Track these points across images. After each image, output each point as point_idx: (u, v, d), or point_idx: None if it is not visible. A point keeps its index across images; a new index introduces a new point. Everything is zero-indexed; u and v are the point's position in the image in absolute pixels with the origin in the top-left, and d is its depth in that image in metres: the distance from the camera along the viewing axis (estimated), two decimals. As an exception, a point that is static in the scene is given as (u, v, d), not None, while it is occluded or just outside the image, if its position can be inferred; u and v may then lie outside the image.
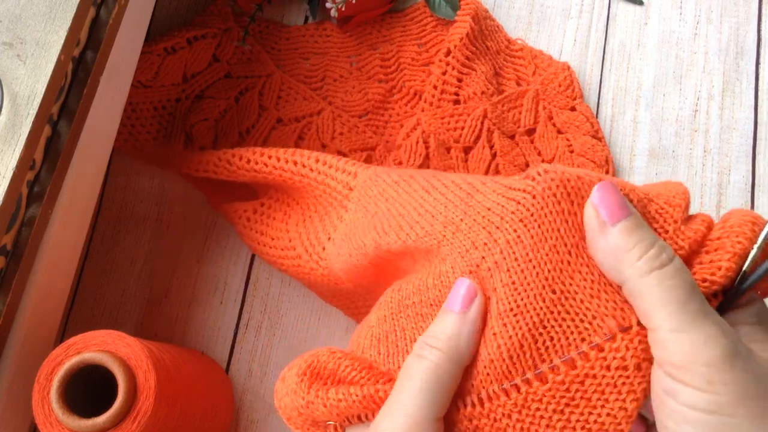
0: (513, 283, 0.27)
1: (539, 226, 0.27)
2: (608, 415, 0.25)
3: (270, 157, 0.45)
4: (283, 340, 0.49)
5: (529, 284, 0.27)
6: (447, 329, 0.26)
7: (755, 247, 0.25)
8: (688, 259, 0.26)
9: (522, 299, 0.27)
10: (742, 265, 0.25)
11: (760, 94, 0.53)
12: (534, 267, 0.27)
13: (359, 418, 0.28)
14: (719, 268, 0.25)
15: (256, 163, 0.45)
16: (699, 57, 0.54)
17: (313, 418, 0.30)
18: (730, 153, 0.52)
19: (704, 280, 0.25)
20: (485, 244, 0.28)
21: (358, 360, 0.30)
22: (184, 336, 0.49)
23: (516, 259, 0.27)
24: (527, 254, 0.27)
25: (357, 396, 0.28)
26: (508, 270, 0.27)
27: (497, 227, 0.28)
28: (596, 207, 0.24)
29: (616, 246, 0.24)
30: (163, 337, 0.49)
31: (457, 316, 0.26)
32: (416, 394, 0.25)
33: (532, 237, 0.27)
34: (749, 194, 0.51)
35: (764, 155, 0.52)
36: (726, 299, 0.25)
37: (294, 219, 0.46)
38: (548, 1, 0.56)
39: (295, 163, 0.44)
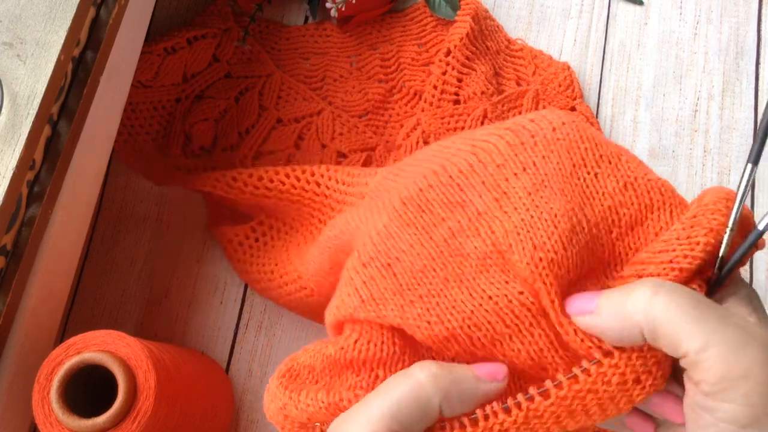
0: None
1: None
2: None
3: (288, 176, 0.44)
4: (283, 340, 0.49)
5: None
6: (457, 373, 0.26)
7: (730, 222, 0.26)
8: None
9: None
10: (720, 240, 0.26)
11: (760, 94, 0.53)
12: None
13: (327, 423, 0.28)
14: (697, 244, 0.26)
15: (271, 181, 0.45)
16: (699, 57, 0.54)
17: (299, 420, 0.29)
18: (730, 153, 0.52)
19: (685, 257, 0.26)
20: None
21: (328, 354, 0.29)
22: (184, 336, 0.49)
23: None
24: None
25: (323, 403, 0.28)
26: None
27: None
28: (578, 311, 0.26)
29: (611, 309, 0.25)
30: (163, 337, 0.49)
31: (473, 376, 0.26)
32: (384, 403, 0.25)
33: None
34: (749, 194, 0.51)
35: (764, 156, 0.52)
36: (710, 287, 0.26)
37: (294, 246, 0.46)
38: (548, 1, 0.56)
39: (318, 185, 0.43)
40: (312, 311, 0.46)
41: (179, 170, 0.51)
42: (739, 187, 0.26)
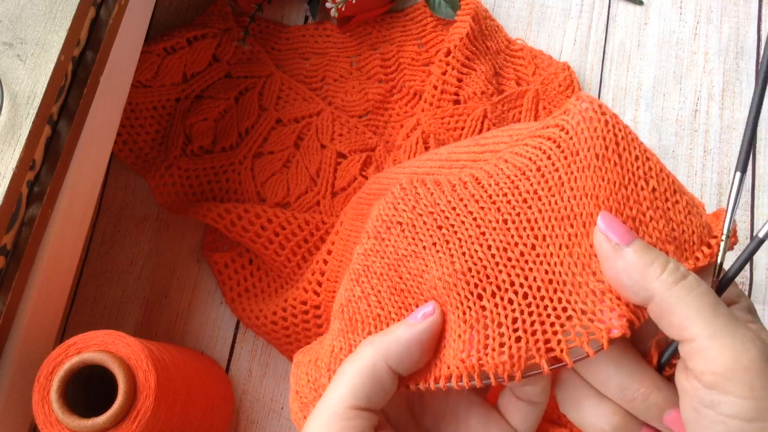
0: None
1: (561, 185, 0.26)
2: None
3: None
4: (283, 340, 0.49)
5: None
6: (392, 330, 0.27)
7: (724, 230, 0.26)
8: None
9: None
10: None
11: (760, 94, 0.53)
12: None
13: None
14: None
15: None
16: (699, 57, 0.54)
17: None
18: (730, 153, 0.52)
19: (697, 259, 0.25)
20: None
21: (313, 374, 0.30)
22: (184, 336, 0.49)
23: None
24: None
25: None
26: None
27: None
28: (605, 232, 0.25)
29: (636, 263, 0.24)
30: (163, 337, 0.49)
31: (405, 324, 0.27)
32: (338, 385, 0.26)
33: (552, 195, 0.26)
34: (749, 194, 0.51)
35: (764, 155, 0.52)
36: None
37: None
38: (548, 1, 0.56)
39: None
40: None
41: (179, 169, 0.51)
42: (729, 196, 0.26)
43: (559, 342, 0.25)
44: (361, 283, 0.30)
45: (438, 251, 0.28)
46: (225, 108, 0.53)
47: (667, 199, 0.26)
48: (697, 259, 0.26)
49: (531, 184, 0.27)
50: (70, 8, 0.37)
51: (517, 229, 0.27)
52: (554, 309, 0.26)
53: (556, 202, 0.27)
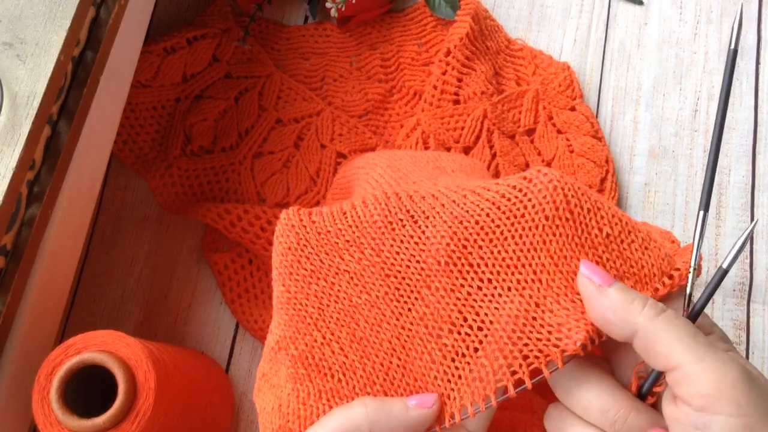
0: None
1: (522, 229, 0.28)
2: None
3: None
4: (283, 340, 0.49)
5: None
6: (388, 403, 0.28)
7: (692, 262, 0.27)
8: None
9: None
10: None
11: (760, 94, 0.53)
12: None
13: None
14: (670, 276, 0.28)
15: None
16: (699, 57, 0.54)
17: None
18: (730, 153, 0.52)
19: (656, 289, 0.27)
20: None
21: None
22: (184, 336, 0.49)
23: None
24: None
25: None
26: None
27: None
28: (588, 276, 0.27)
29: (620, 300, 0.26)
30: (163, 338, 0.49)
31: (402, 404, 0.28)
32: (319, 428, 0.28)
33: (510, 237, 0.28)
34: (749, 194, 0.51)
35: (764, 155, 0.52)
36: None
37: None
38: (548, 1, 0.56)
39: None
40: None
41: (178, 170, 0.51)
42: (695, 233, 0.28)
43: (520, 365, 0.26)
44: (319, 327, 0.30)
45: (392, 300, 0.29)
46: (225, 108, 0.53)
47: (622, 241, 0.28)
48: (656, 289, 0.27)
49: (470, 234, 0.29)
50: (70, 8, 0.37)
51: (460, 272, 0.28)
52: (509, 338, 0.27)
53: (499, 252, 0.28)
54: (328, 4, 0.53)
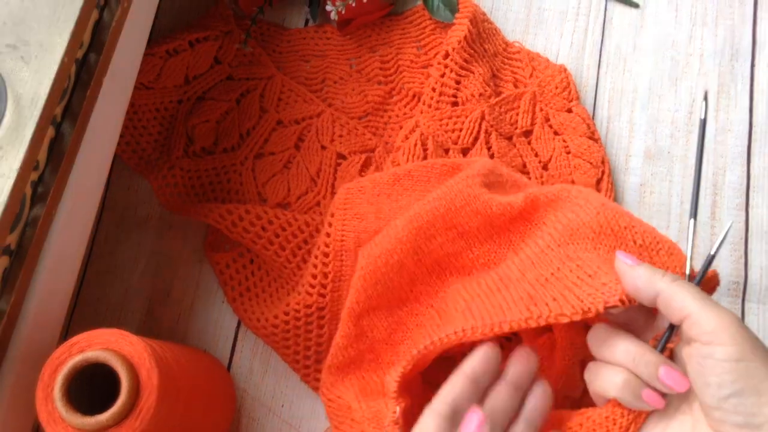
0: None
1: None
2: None
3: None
4: (284, 339, 0.50)
5: None
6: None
7: (687, 269, 0.36)
8: None
9: None
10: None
11: (754, 95, 0.54)
12: None
13: None
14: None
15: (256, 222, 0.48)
16: (694, 59, 0.55)
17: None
18: (725, 154, 0.53)
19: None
20: None
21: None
22: (187, 334, 0.50)
23: None
24: None
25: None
26: None
27: None
28: (623, 259, 0.35)
29: (646, 273, 0.34)
30: (166, 336, 0.50)
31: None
32: None
33: None
34: (744, 195, 0.52)
35: (759, 156, 0.53)
36: None
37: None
38: (545, 4, 0.57)
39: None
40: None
41: (181, 170, 0.51)
42: (687, 240, 0.37)
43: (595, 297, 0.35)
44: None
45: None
46: (226, 109, 0.53)
47: (651, 249, 0.37)
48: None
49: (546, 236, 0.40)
50: (74, 11, 0.37)
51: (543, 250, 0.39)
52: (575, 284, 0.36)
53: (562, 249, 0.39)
54: (329, 7, 0.54)
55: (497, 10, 0.57)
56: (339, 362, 0.42)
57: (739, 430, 0.30)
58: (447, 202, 0.42)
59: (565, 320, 0.34)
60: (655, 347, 0.35)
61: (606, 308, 0.34)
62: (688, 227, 0.37)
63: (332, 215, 0.46)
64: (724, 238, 0.35)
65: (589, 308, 0.34)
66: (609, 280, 0.35)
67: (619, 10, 0.56)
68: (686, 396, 0.34)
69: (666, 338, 0.35)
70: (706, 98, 0.40)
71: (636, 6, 0.56)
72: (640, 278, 0.34)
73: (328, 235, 0.46)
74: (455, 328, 0.36)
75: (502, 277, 0.40)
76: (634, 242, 0.37)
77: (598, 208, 0.38)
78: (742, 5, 0.56)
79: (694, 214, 0.37)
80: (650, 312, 0.37)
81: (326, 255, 0.46)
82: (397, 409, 0.36)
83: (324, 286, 0.46)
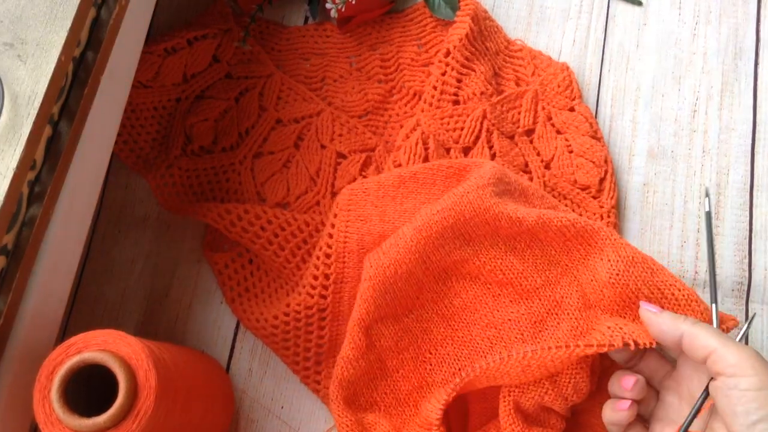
0: None
1: None
2: None
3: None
4: (283, 340, 0.49)
5: None
6: None
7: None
8: None
9: None
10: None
11: (758, 94, 0.53)
12: None
13: None
14: None
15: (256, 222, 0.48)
16: (698, 57, 0.55)
17: None
18: (728, 153, 0.52)
19: None
20: None
21: None
22: (185, 335, 0.49)
23: None
24: None
25: None
26: None
27: None
28: (647, 308, 0.39)
29: (670, 317, 0.38)
30: (164, 337, 0.49)
31: None
32: None
33: None
34: (748, 194, 0.51)
35: (763, 155, 0.52)
36: None
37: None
38: (547, 2, 0.56)
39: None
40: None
41: (179, 170, 0.51)
42: (714, 322, 0.41)
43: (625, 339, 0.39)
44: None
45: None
46: (225, 108, 0.53)
47: (689, 305, 0.41)
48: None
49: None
50: (71, 8, 0.37)
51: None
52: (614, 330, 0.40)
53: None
54: (328, 5, 0.53)
55: (499, 7, 0.56)
56: (350, 375, 0.43)
57: None
58: (457, 212, 0.42)
59: (591, 351, 0.38)
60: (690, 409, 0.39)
61: (632, 343, 0.38)
62: (712, 309, 0.41)
63: (335, 216, 0.46)
64: (748, 326, 0.41)
65: (617, 343, 0.38)
66: (633, 323, 0.39)
67: (622, 8, 0.56)
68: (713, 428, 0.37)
69: (701, 401, 0.38)
70: (708, 194, 0.46)
71: (639, 4, 0.56)
72: (664, 323, 0.38)
73: (330, 236, 0.46)
74: (499, 355, 0.39)
75: (537, 321, 0.43)
76: (662, 294, 0.40)
77: (621, 273, 0.40)
78: (746, 3, 0.55)
79: (714, 298, 0.41)
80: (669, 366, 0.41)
81: (328, 256, 0.45)
82: None
83: (325, 288, 0.46)
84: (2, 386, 0.37)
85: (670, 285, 0.40)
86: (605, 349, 0.38)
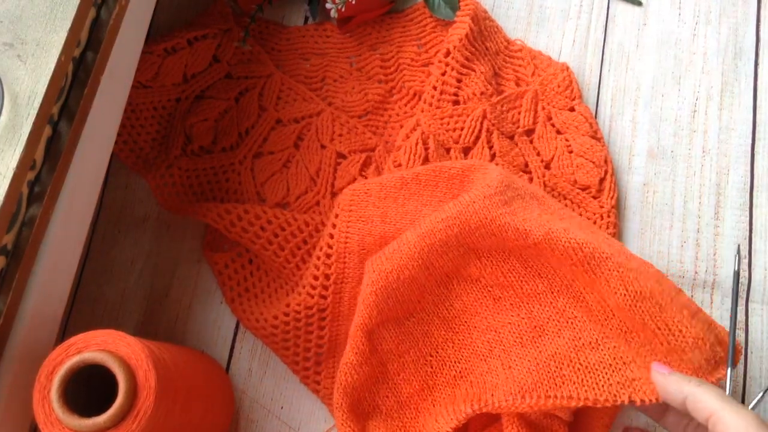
0: None
1: None
2: None
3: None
4: (283, 340, 0.49)
5: None
6: None
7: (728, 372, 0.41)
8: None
9: None
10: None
11: (758, 94, 0.53)
12: None
13: None
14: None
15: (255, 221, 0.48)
16: (698, 58, 0.55)
17: None
18: (728, 153, 0.52)
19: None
20: None
21: None
22: (185, 335, 0.49)
23: None
24: None
25: None
26: None
27: None
28: (658, 369, 0.40)
29: (677, 379, 0.39)
30: (164, 337, 0.49)
31: None
32: None
33: None
34: (748, 194, 0.51)
35: (762, 155, 0.52)
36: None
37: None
38: (547, 2, 0.56)
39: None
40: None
41: (179, 170, 0.51)
42: (727, 389, 0.41)
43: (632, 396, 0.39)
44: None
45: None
46: (225, 108, 0.53)
47: (696, 344, 0.40)
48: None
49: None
50: (71, 9, 0.37)
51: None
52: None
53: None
54: (328, 5, 0.53)
55: (498, 8, 0.56)
56: (354, 381, 0.43)
57: None
58: (462, 221, 0.42)
59: (598, 405, 0.39)
60: None
61: (638, 401, 0.39)
62: (727, 376, 0.41)
63: (336, 216, 0.46)
64: (764, 395, 0.43)
65: (622, 400, 0.39)
66: (641, 376, 0.39)
67: (622, 8, 0.56)
68: None
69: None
70: (739, 252, 0.46)
71: (639, 4, 0.56)
72: (671, 385, 0.39)
73: (331, 236, 0.46)
74: (506, 395, 0.40)
75: (537, 326, 0.42)
76: (668, 343, 0.40)
77: (628, 307, 0.40)
78: (746, 4, 0.55)
79: (731, 362, 0.41)
80: None
81: (329, 256, 0.45)
82: None
83: (325, 288, 0.46)
84: (2, 386, 0.37)
85: (678, 322, 0.40)
86: (609, 404, 0.38)
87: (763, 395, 0.41)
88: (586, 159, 0.51)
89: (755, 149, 0.52)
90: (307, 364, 0.47)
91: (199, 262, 0.51)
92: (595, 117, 0.53)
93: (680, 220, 0.51)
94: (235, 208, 0.48)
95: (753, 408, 0.41)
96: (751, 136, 0.53)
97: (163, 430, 0.37)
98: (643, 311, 0.39)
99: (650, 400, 0.39)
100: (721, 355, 0.41)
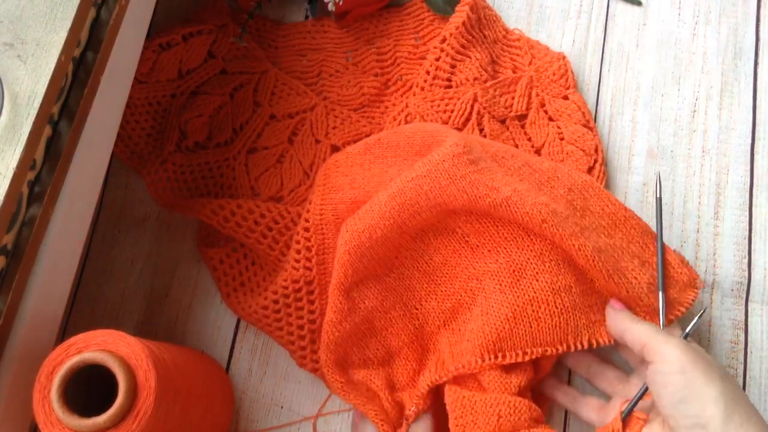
0: None
1: None
2: None
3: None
4: (283, 340, 0.49)
5: None
6: None
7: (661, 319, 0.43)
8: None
9: None
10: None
11: (758, 94, 0.54)
12: None
13: None
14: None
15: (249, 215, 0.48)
16: (697, 57, 0.55)
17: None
18: (728, 153, 0.52)
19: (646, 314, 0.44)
20: None
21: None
22: (185, 335, 0.49)
23: None
24: None
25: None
26: None
27: None
28: (612, 303, 0.43)
29: (621, 318, 0.42)
30: (164, 337, 0.49)
31: None
32: None
33: None
34: (747, 194, 0.51)
35: (762, 155, 0.52)
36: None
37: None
38: (547, 2, 0.56)
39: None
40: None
41: (174, 165, 0.51)
42: (660, 315, 0.43)
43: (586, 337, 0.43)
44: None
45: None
46: (220, 104, 0.53)
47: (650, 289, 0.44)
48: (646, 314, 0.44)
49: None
50: (71, 9, 0.37)
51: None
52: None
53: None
54: (326, -1, 0.53)
55: (498, 7, 0.56)
56: (336, 338, 0.44)
57: (691, 431, 0.37)
58: (432, 179, 0.42)
59: (570, 350, 0.42)
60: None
61: (595, 343, 0.42)
62: (659, 300, 0.43)
63: (313, 192, 0.47)
64: (699, 318, 0.43)
65: (583, 342, 0.42)
66: (601, 318, 0.43)
67: (622, 8, 0.56)
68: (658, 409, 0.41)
69: (639, 395, 0.41)
70: (659, 180, 0.47)
71: (639, 4, 0.56)
72: (617, 323, 0.42)
73: (307, 210, 0.47)
74: (488, 352, 0.42)
75: (516, 270, 0.43)
76: (626, 291, 0.43)
77: (594, 250, 0.42)
78: (746, 3, 0.55)
79: (661, 286, 0.43)
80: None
81: (307, 229, 0.46)
82: (413, 408, 0.43)
83: (309, 260, 0.46)
84: (2, 386, 0.37)
85: (632, 269, 0.43)
86: (572, 349, 0.42)
87: (695, 323, 0.43)
88: (577, 147, 0.51)
89: (755, 149, 0.52)
90: (303, 342, 0.47)
91: (199, 262, 0.51)
92: (595, 117, 0.53)
93: (680, 220, 0.51)
94: (228, 204, 0.48)
95: (685, 337, 0.42)
96: (750, 135, 0.53)
97: (163, 430, 0.37)
98: (603, 262, 0.42)
99: (605, 342, 0.42)
100: (674, 295, 0.43)
